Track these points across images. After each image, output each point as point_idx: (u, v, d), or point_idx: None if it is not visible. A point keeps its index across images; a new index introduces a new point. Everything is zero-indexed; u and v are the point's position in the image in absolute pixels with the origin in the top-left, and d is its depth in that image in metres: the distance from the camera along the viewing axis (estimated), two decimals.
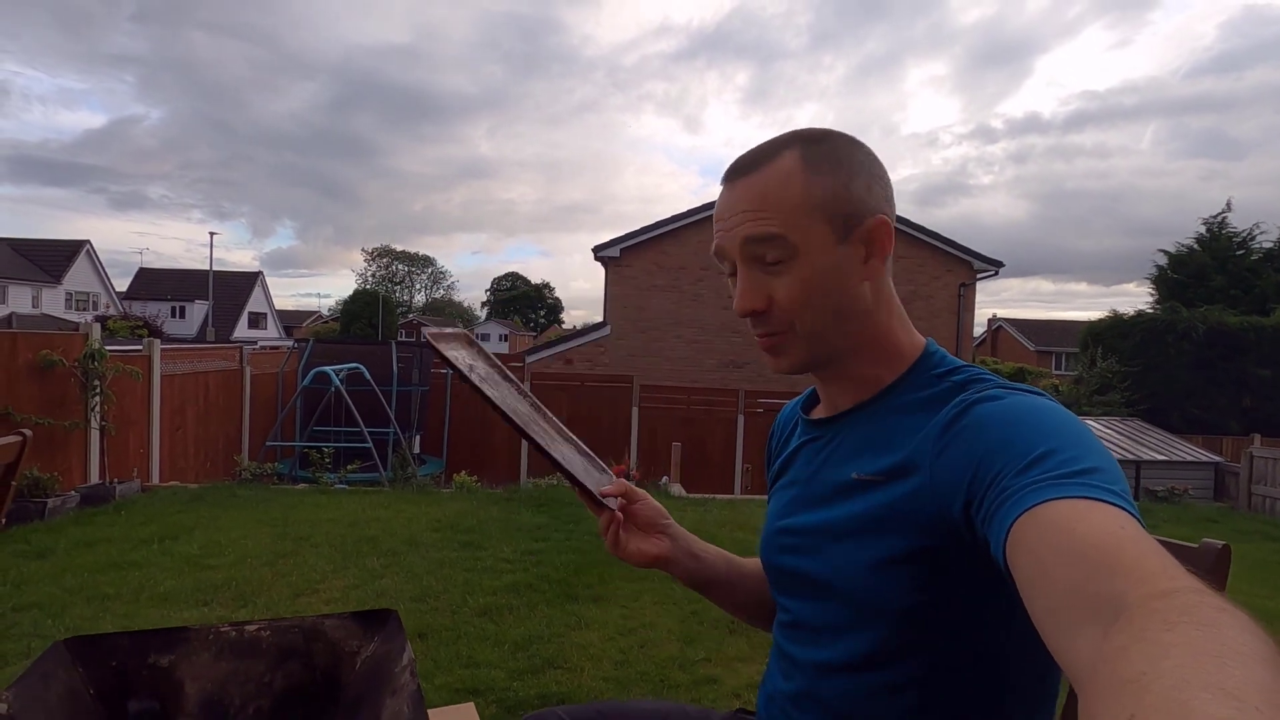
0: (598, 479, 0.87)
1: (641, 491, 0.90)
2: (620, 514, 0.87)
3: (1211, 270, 17.59)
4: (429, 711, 0.96)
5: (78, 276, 33.99)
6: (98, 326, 6.20)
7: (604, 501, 0.85)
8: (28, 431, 1.19)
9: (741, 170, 0.75)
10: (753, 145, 0.77)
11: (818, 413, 0.85)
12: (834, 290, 0.73)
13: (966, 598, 0.64)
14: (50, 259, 32.95)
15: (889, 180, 0.77)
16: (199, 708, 0.62)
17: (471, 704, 0.90)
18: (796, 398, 0.94)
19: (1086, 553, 0.45)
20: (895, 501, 0.67)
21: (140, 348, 7.10)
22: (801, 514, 0.78)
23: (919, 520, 0.64)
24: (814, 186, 0.72)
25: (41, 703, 0.55)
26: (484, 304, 76.38)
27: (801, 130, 0.77)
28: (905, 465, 0.67)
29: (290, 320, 49.62)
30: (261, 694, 0.65)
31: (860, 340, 0.75)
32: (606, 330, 12.60)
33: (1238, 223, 18.49)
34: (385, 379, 8.76)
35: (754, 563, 0.95)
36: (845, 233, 0.72)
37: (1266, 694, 0.30)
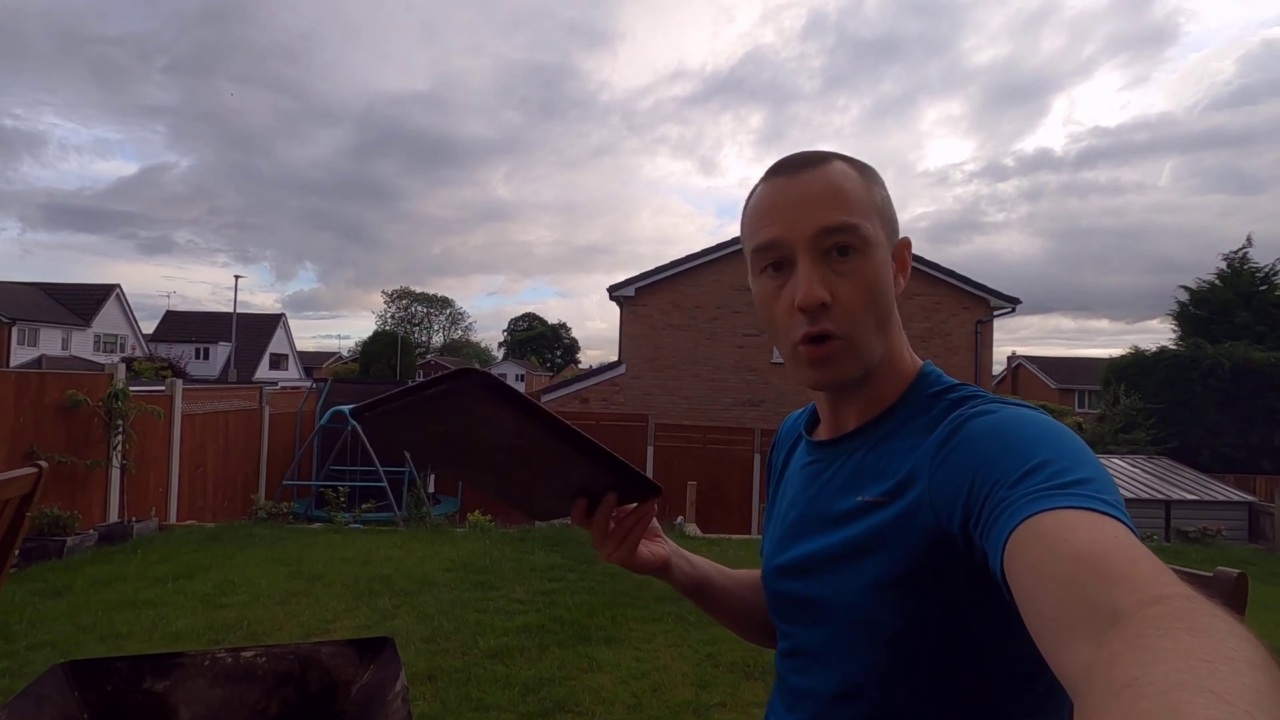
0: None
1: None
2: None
3: (1235, 306, 17.34)
4: None
5: (107, 319, 34.84)
6: (122, 366, 6.32)
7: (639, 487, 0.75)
8: (43, 464, 1.21)
9: (800, 165, 0.74)
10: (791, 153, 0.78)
11: (820, 434, 0.83)
12: (885, 295, 0.72)
13: (967, 615, 0.63)
14: (81, 302, 33.85)
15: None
16: None
17: None
18: (799, 410, 0.92)
19: (1080, 562, 0.45)
20: (896, 519, 0.66)
21: (163, 388, 7.22)
22: (804, 541, 0.77)
23: (917, 537, 0.64)
24: (872, 190, 0.74)
25: None
26: (501, 344, 77.02)
27: (833, 151, 0.78)
28: (905, 483, 0.67)
29: (311, 361, 50.31)
30: None
31: (885, 356, 0.75)
32: (622, 369, 12.63)
33: (1259, 257, 18.31)
34: None
35: (745, 573, 0.95)
36: (890, 243, 0.74)
37: (1258, 698, 0.30)
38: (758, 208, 0.75)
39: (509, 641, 3.51)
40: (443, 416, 0.62)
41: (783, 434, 0.95)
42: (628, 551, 0.79)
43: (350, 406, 8.15)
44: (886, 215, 0.74)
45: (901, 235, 0.77)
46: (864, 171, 0.75)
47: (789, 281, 0.72)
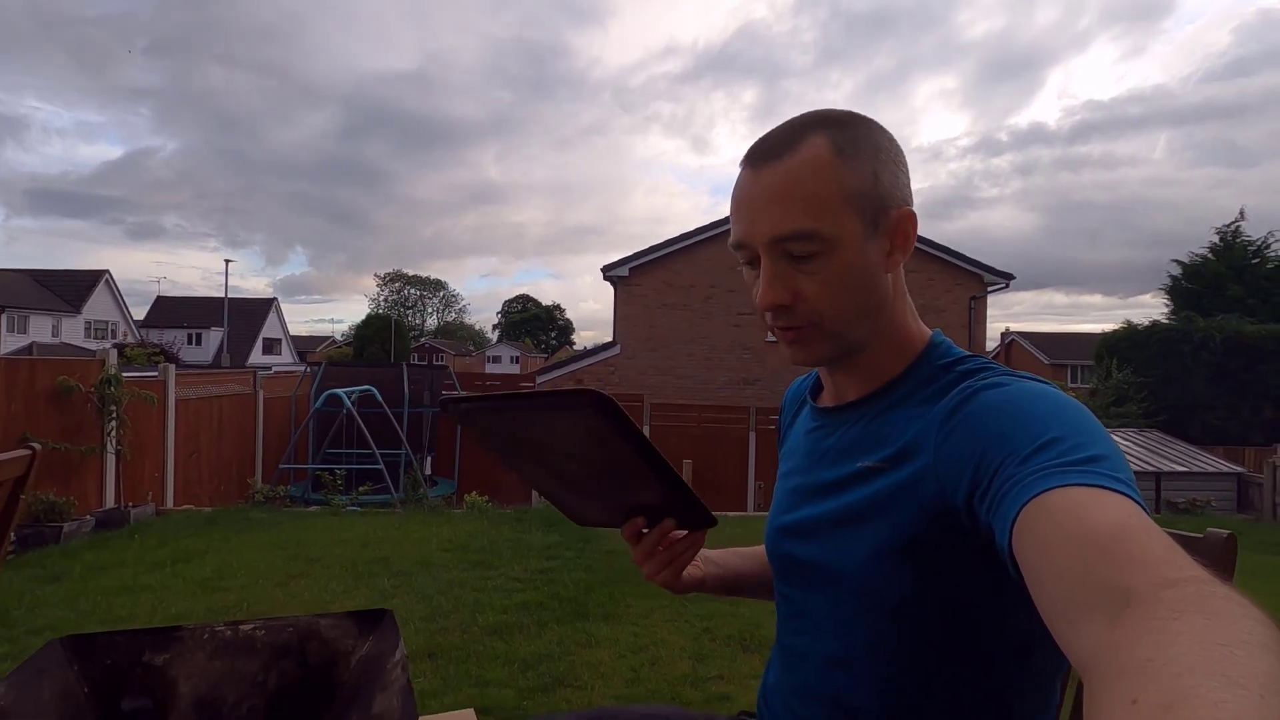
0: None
1: None
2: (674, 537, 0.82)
3: (1227, 279, 17.41)
4: (430, 717, 0.95)
5: (97, 306, 34.55)
6: (114, 352, 6.28)
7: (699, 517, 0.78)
8: (36, 446, 1.21)
9: (768, 155, 0.70)
10: (774, 127, 0.73)
11: (824, 400, 0.83)
12: (861, 285, 0.70)
13: (966, 588, 0.64)
14: (70, 289, 33.54)
15: (908, 167, 0.75)
16: (192, 706, 0.62)
17: (471, 710, 0.90)
18: (805, 376, 0.92)
19: (1093, 541, 0.44)
20: (897, 486, 0.66)
21: (156, 374, 7.19)
22: (805, 506, 0.77)
23: (920, 506, 0.64)
24: (845, 176, 0.68)
25: (34, 699, 0.55)
26: (495, 326, 76.85)
27: (824, 112, 0.72)
28: (908, 451, 0.67)
29: (304, 346, 50.12)
30: (255, 693, 0.65)
31: (878, 333, 0.73)
32: (616, 349, 12.62)
33: (1251, 231, 18.34)
34: (397, 401, 8.80)
35: (758, 549, 0.96)
36: (874, 225, 0.70)
37: (1272, 683, 0.30)
38: (732, 200, 0.74)
39: (508, 619, 3.54)
40: (539, 423, 0.65)
41: (789, 398, 0.96)
42: (673, 575, 0.81)
43: (345, 389, 8.14)
44: (869, 197, 0.69)
45: (903, 207, 0.72)
46: (842, 150, 0.69)
47: (759, 279, 0.72)
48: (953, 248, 12.78)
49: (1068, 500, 0.48)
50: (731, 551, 0.98)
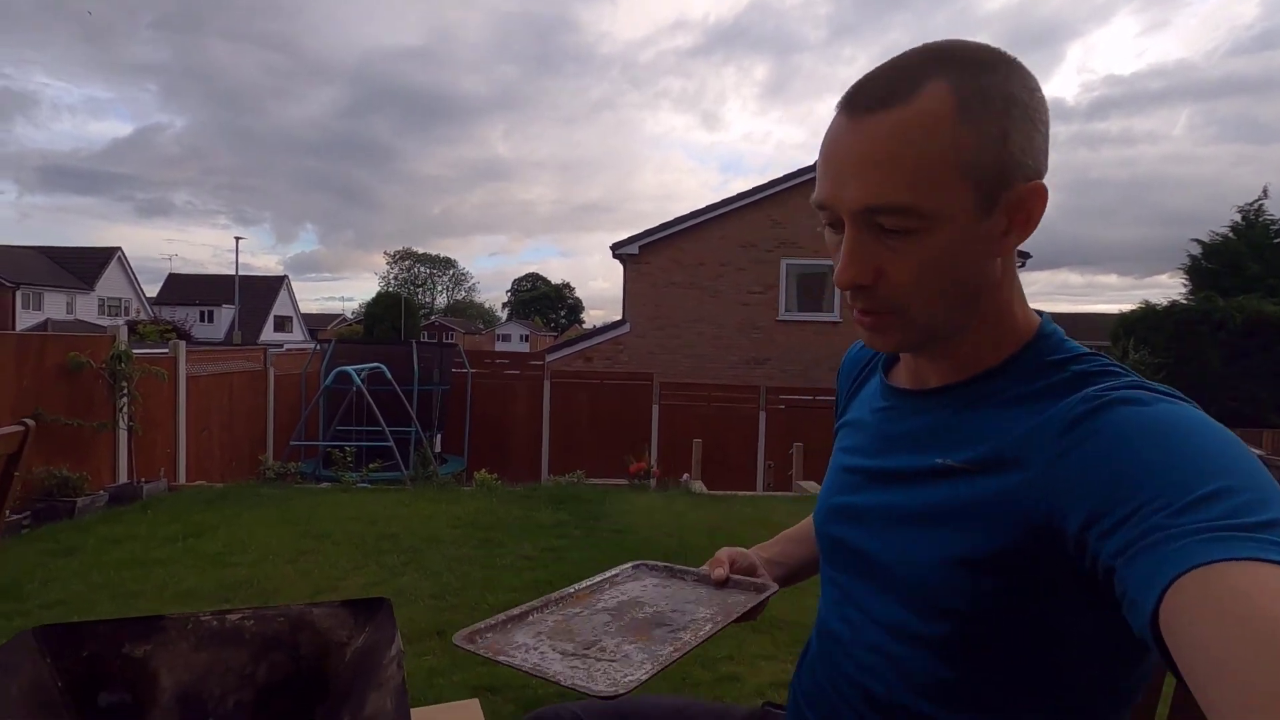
0: (725, 601, 0.81)
1: (729, 553, 0.89)
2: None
3: (1247, 259, 17.08)
4: (433, 708, 0.92)
5: (110, 283, 34.78)
6: (124, 328, 6.29)
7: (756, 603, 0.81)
8: (30, 422, 1.17)
9: (872, 103, 0.58)
10: (883, 63, 0.60)
11: (898, 378, 0.75)
12: (960, 270, 0.60)
13: (1051, 605, 0.56)
14: (83, 266, 33.75)
15: (1048, 123, 0.60)
16: (175, 700, 0.58)
17: (476, 700, 0.86)
18: None
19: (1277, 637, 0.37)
20: (986, 496, 0.58)
21: (166, 350, 7.21)
22: (865, 491, 0.71)
23: (1011, 521, 0.56)
24: (965, 139, 0.56)
25: (1, 694, 0.51)
26: (505, 305, 76.88)
27: (949, 47, 0.59)
28: (1004, 458, 0.58)
29: (315, 324, 50.35)
30: (243, 686, 0.60)
31: (975, 321, 0.64)
32: (626, 328, 12.56)
33: (1275, 209, 17.94)
34: (406, 379, 8.80)
35: (809, 529, 0.93)
36: (990, 201, 0.58)
37: None
38: (821, 149, 0.63)
39: (517, 597, 3.52)
40: None
41: (851, 363, 0.88)
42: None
43: (354, 367, 8.14)
44: (991, 167, 0.57)
45: (1032, 180, 0.59)
46: (966, 105, 0.56)
47: (840, 246, 0.62)
48: None
49: (1244, 581, 0.39)
50: (787, 539, 0.96)
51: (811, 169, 12.54)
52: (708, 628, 0.72)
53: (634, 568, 0.90)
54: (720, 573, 0.84)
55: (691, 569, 0.88)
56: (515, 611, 0.75)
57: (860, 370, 0.84)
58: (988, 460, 0.59)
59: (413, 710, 0.87)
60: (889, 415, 0.72)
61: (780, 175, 12.53)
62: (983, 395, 0.64)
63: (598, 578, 0.86)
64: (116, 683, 0.57)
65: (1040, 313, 0.67)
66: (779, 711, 0.85)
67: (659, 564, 0.91)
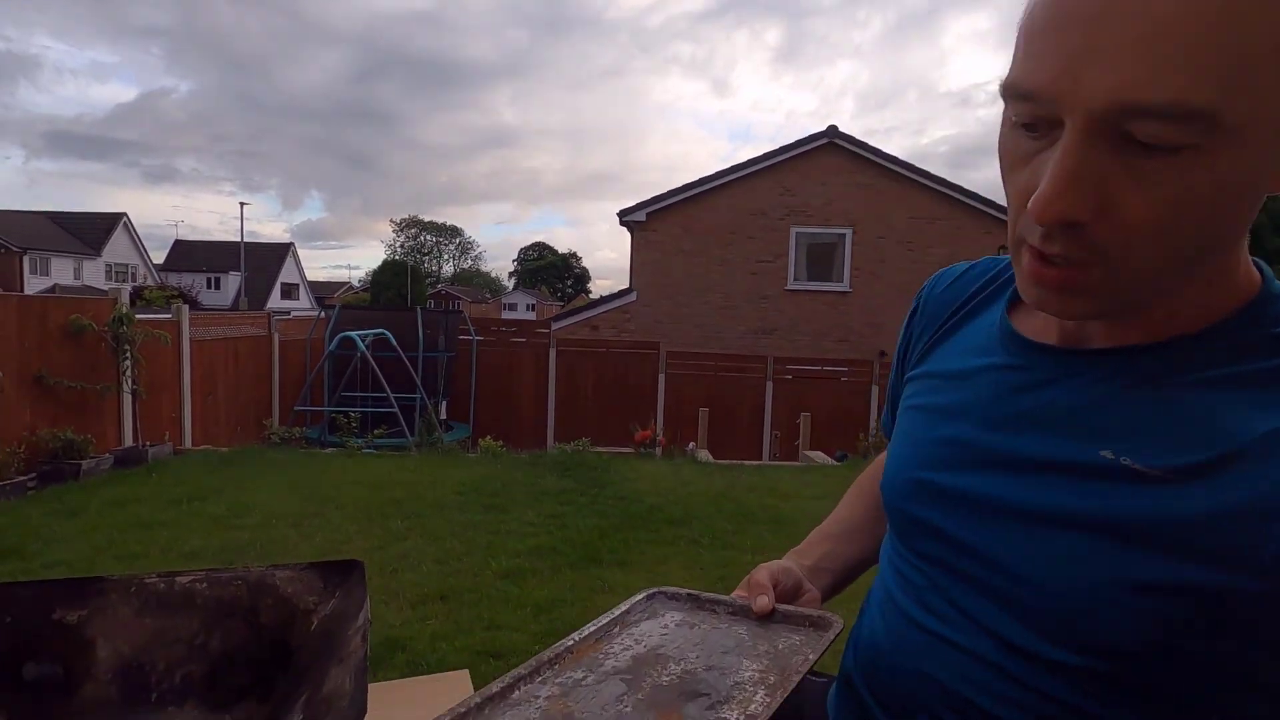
0: (775, 647, 0.62)
1: (769, 572, 0.69)
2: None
3: (1268, 231, 16.74)
4: (423, 679, 0.86)
5: (116, 249, 34.77)
6: (126, 291, 6.24)
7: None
8: None
9: None
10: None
11: (1031, 325, 0.56)
12: (1224, 210, 0.42)
13: (1244, 653, 0.43)
14: (89, 231, 33.71)
15: None
16: (113, 673, 0.51)
17: (466, 671, 0.79)
18: (976, 263, 0.67)
19: None
20: (1194, 516, 0.43)
21: (169, 314, 7.16)
22: (979, 473, 0.54)
23: (1233, 549, 0.42)
24: None
25: None
26: (511, 274, 76.61)
27: None
28: (1228, 466, 0.43)
29: (322, 291, 50.31)
30: (193, 658, 0.53)
31: (1186, 282, 0.46)
32: (633, 296, 12.44)
33: None
34: (411, 345, 8.74)
35: (855, 512, 0.79)
36: None
37: None
38: (1035, 12, 0.42)
39: (520, 563, 3.50)
40: None
41: (938, 294, 0.68)
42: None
43: (359, 332, 8.09)
44: None
45: None
46: None
47: (1040, 157, 0.43)
48: (983, 194, 12.33)
49: None
50: (829, 537, 0.78)
51: (822, 135, 12.29)
52: (761, 696, 0.53)
53: (648, 598, 0.70)
54: (764, 602, 0.64)
55: (723, 598, 0.68)
56: (496, 687, 0.54)
57: (956, 307, 0.65)
58: (1200, 467, 0.43)
59: (403, 680, 0.81)
60: (1018, 377, 0.55)
61: (791, 141, 12.26)
62: (1178, 367, 0.47)
63: (604, 618, 0.65)
64: (46, 652, 0.50)
65: (1261, 265, 0.49)
66: (818, 680, 0.74)
67: (680, 592, 0.71)
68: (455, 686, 0.76)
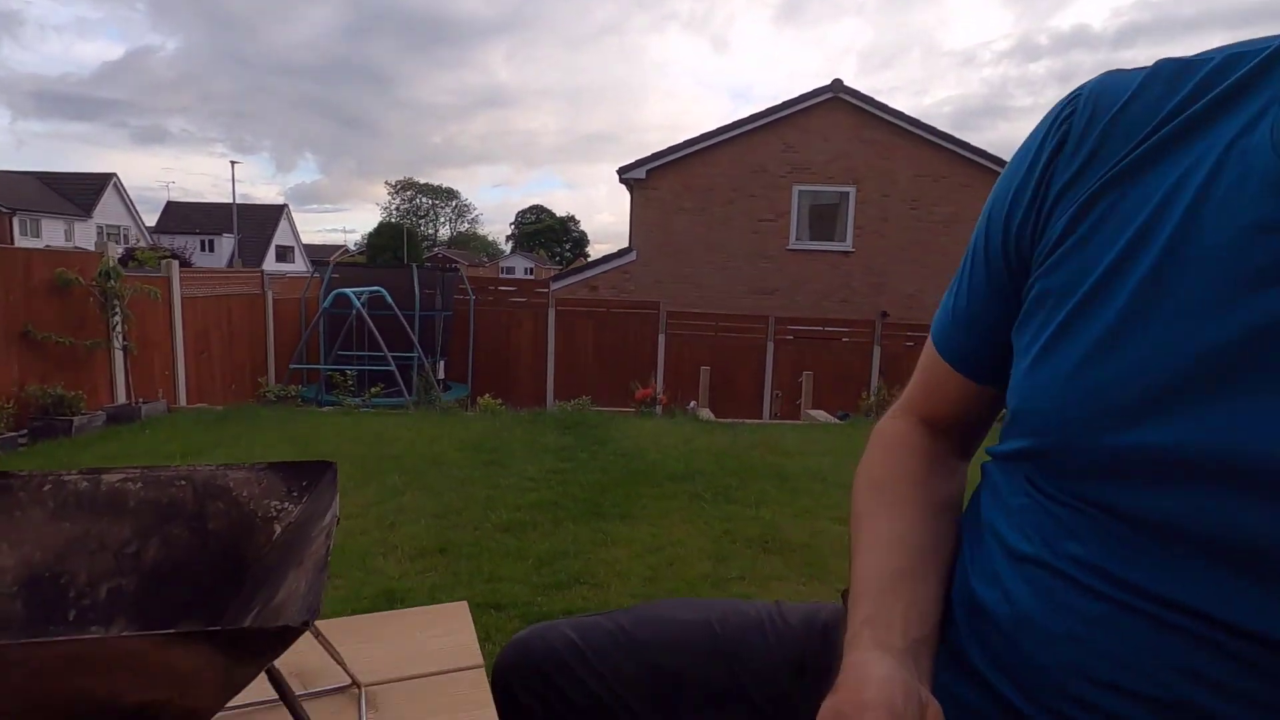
0: None
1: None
2: None
3: None
4: (422, 609, 0.76)
5: (108, 210, 34.23)
6: (113, 245, 6.09)
7: None
8: None
9: None
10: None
11: None
12: None
13: None
14: (79, 192, 33.15)
15: None
16: (21, 584, 0.41)
17: (464, 602, 0.70)
18: (1144, 71, 0.47)
19: None
20: None
21: (159, 272, 7.00)
22: (1238, 398, 0.39)
23: None
24: None
25: None
26: (509, 237, 75.82)
27: None
28: None
29: (317, 254, 49.79)
30: (123, 569, 0.43)
31: None
32: (633, 256, 12.25)
33: None
34: (408, 304, 8.60)
35: (905, 523, 0.56)
36: None
37: None
38: None
39: (521, 516, 3.44)
40: None
41: (1113, 114, 0.46)
42: None
43: (354, 290, 7.94)
44: None
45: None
46: None
47: None
48: (989, 151, 12.06)
49: None
50: (899, 577, 0.53)
51: (826, 90, 11.96)
52: None
53: None
54: None
55: None
56: None
57: (1143, 137, 0.45)
58: None
59: (403, 611, 0.72)
60: None
61: (795, 96, 11.94)
62: None
63: None
64: None
65: None
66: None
67: None
68: (455, 616, 0.67)
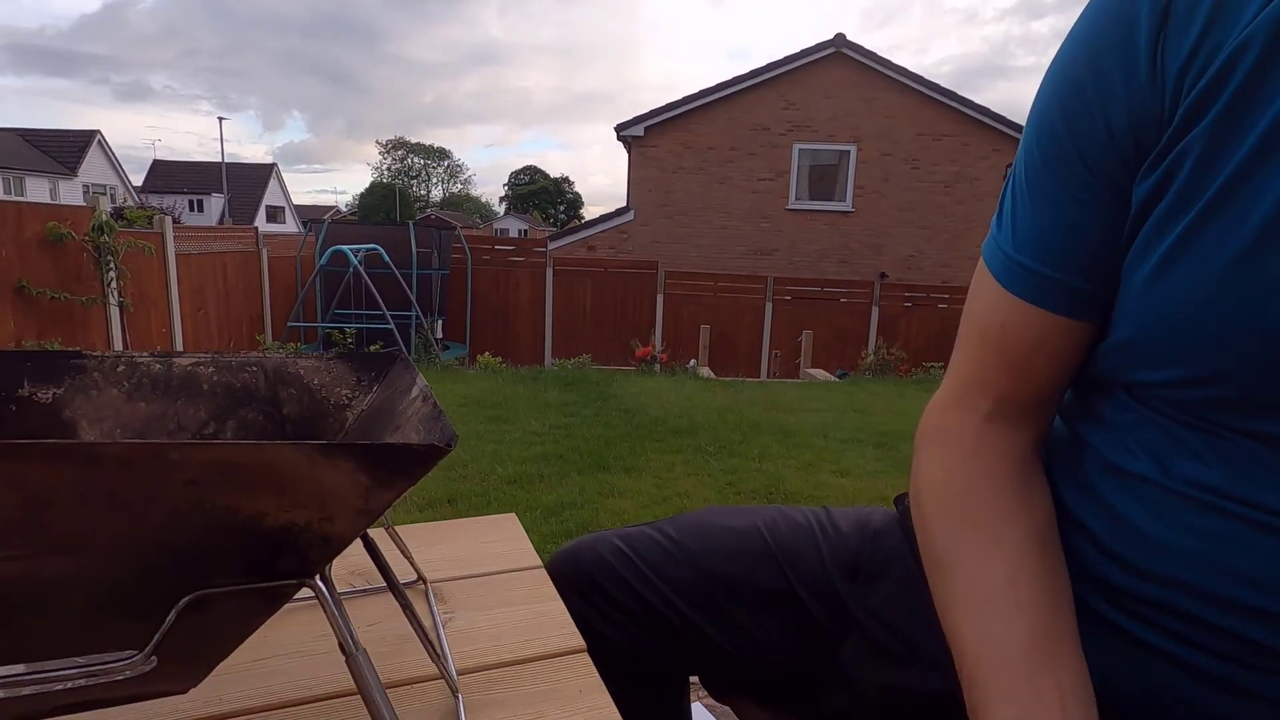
0: None
1: None
2: None
3: None
4: (473, 520, 0.76)
5: (92, 168, 33.58)
6: (104, 200, 5.96)
7: None
8: None
9: None
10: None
11: None
12: None
13: None
14: (62, 150, 32.47)
15: None
16: None
17: (513, 514, 0.70)
18: None
19: None
20: None
21: (152, 228, 6.90)
22: None
23: None
24: None
25: None
26: (502, 199, 74.89)
27: None
28: None
29: (308, 215, 49.14)
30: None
31: None
32: (630, 215, 12.13)
33: None
34: (404, 263, 8.52)
35: (1024, 566, 0.45)
36: None
37: None
38: None
39: (527, 469, 3.46)
40: None
41: None
42: None
43: (350, 247, 7.86)
44: None
45: None
46: None
47: None
48: (992, 109, 11.89)
49: None
50: (1060, 637, 0.43)
51: (828, 44, 11.72)
52: None
53: None
54: None
55: None
56: None
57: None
58: None
59: (451, 521, 0.72)
60: None
61: (797, 50, 11.69)
62: None
63: None
64: (11, 431, 0.39)
65: None
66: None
67: None
68: (507, 525, 0.67)
